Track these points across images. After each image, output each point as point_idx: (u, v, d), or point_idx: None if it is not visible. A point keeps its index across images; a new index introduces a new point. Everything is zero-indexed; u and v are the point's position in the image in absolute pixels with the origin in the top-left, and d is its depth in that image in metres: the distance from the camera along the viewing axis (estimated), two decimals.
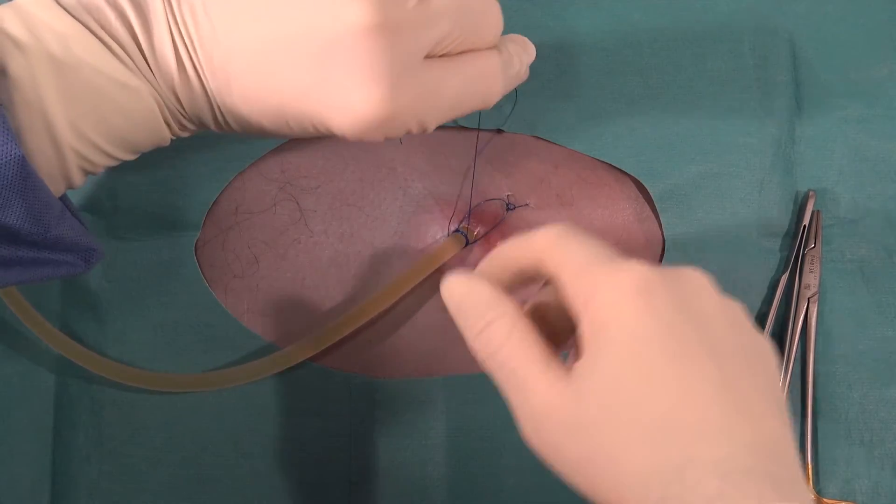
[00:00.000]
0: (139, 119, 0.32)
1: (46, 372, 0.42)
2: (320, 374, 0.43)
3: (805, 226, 0.44)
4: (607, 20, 0.47)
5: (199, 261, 0.44)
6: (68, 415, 0.42)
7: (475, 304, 0.32)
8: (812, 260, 0.44)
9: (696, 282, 0.30)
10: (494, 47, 0.35)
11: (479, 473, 0.42)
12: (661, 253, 0.45)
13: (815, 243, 0.44)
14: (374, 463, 0.42)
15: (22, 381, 0.42)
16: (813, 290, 0.44)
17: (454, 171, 0.46)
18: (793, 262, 0.44)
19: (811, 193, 0.45)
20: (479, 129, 0.45)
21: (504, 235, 0.45)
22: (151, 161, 0.43)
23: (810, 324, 0.44)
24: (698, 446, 0.27)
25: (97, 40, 0.31)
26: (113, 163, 0.33)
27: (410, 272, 0.43)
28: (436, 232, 0.45)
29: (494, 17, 0.35)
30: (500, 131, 0.45)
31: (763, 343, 0.30)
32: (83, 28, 0.31)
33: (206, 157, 0.44)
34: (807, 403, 0.43)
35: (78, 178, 0.32)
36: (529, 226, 0.45)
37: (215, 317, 0.43)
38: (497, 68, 0.35)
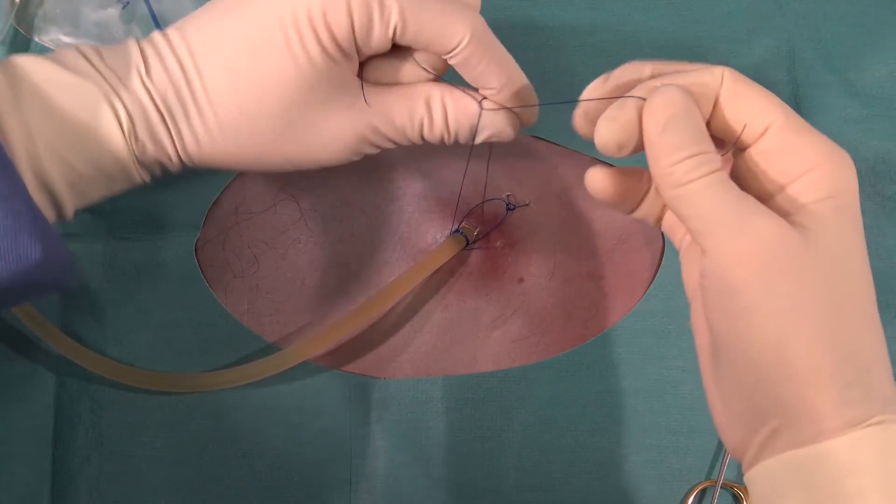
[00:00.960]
0: (86, 113, 0.33)
1: (46, 372, 0.42)
2: (320, 374, 0.43)
3: None
4: (607, 20, 0.47)
5: (199, 261, 0.44)
6: (68, 415, 0.42)
7: (688, 129, 0.30)
8: None
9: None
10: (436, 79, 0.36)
11: (479, 473, 0.42)
12: (660, 253, 0.45)
13: None
14: (374, 463, 0.42)
15: (22, 381, 0.42)
16: None
17: (454, 171, 0.46)
18: None
19: None
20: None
21: (504, 235, 0.45)
22: None
23: None
24: (880, 346, 0.30)
25: (46, 59, 0.33)
26: (77, 179, 0.34)
27: (410, 272, 0.43)
28: (436, 232, 0.45)
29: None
30: None
31: None
32: (37, 56, 0.33)
33: None
34: None
35: (34, 190, 0.33)
36: (529, 226, 0.45)
37: (215, 317, 0.43)
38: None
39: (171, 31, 0.35)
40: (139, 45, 0.34)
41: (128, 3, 0.47)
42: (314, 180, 0.45)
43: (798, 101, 0.46)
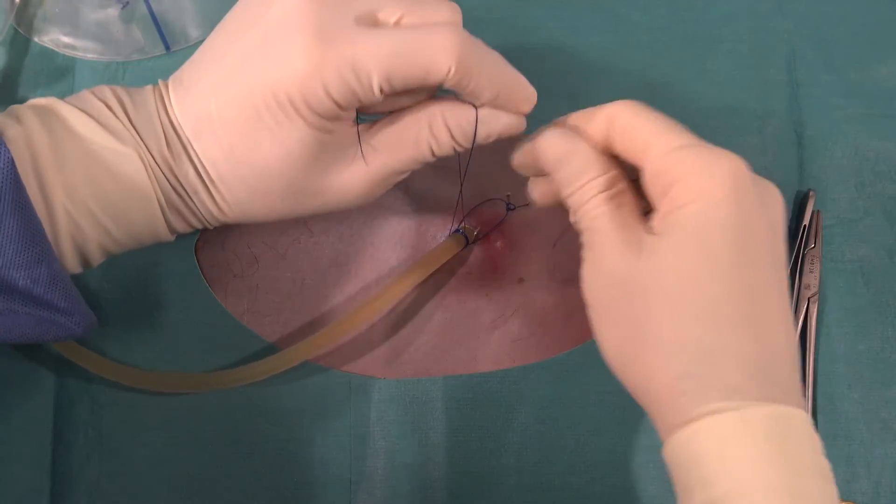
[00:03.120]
0: (127, 181, 0.34)
1: (46, 372, 0.42)
2: (320, 374, 0.43)
3: (805, 226, 0.44)
4: (607, 20, 0.47)
5: (199, 261, 0.44)
6: (68, 415, 0.42)
7: (577, 161, 0.34)
8: (812, 260, 0.44)
9: (775, 197, 0.34)
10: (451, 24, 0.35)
11: (479, 473, 0.42)
12: None
13: (815, 243, 0.44)
14: (374, 463, 0.42)
15: (22, 381, 0.42)
16: (813, 290, 0.44)
17: (454, 170, 0.45)
18: (793, 262, 0.44)
19: (811, 193, 0.45)
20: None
21: (504, 235, 0.45)
22: None
23: (810, 323, 0.44)
24: (735, 338, 0.30)
25: (89, 116, 0.34)
26: (109, 243, 0.36)
27: (410, 272, 0.43)
28: (436, 232, 0.45)
29: None
30: None
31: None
32: (75, 108, 0.34)
33: None
34: (807, 403, 0.43)
35: (67, 250, 0.34)
36: (529, 226, 0.45)
37: (215, 317, 0.43)
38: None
39: (175, 98, 0.35)
40: (157, 110, 0.35)
41: (127, 3, 0.47)
42: None
43: (798, 100, 0.46)
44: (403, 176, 0.38)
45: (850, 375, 0.44)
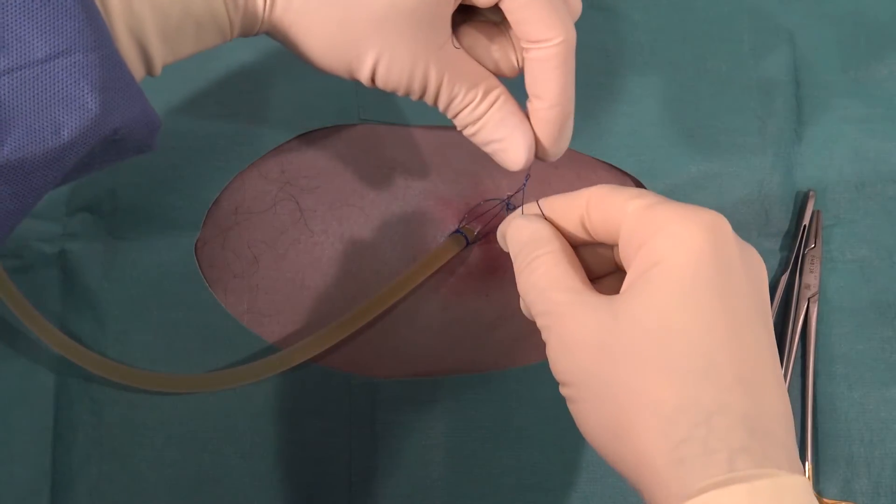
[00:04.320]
0: None
1: (46, 371, 0.42)
2: (320, 375, 0.43)
3: (805, 226, 0.45)
4: (608, 20, 0.47)
5: (198, 261, 0.44)
6: (68, 415, 0.42)
7: (532, 242, 0.33)
8: (812, 260, 0.44)
9: (757, 261, 0.31)
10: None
11: (479, 473, 0.42)
12: None
13: (815, 243, 0.44)
14: (374, 463, 0.42)
15: (22, 381, 0.42)
16: (813, 289, 0.44)
17: (454, 170, 0.46)
18: (793, 262, 0.44)
19: (811, 193, 0.45)
20: None
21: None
22: (152, 161, 0.43)
23: (810, 323, 0.44)
24: (734, 397, 0.28)
25: None
26: (167, 26, 0.31)
27: (411, 273, 0.43)
28: (436, 232, 0.45)
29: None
30: None
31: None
32: None
33: (206, 157, 0.44)
34: (807, 403, 0.43)
35: (123, 34, 0.30)
36: None
37: (215, 317, 0.43)
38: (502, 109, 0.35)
39: None
40: None
41: None
42: (314, 180, 0.45)
43: (798, 101, 0.46)
44: (427, 92, 0.36)
45: (850, 375, 0.44)
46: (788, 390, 0.43)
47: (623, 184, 0.46)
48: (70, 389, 0.42)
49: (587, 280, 0.32)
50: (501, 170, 0.45)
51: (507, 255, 0.44)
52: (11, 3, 0.27)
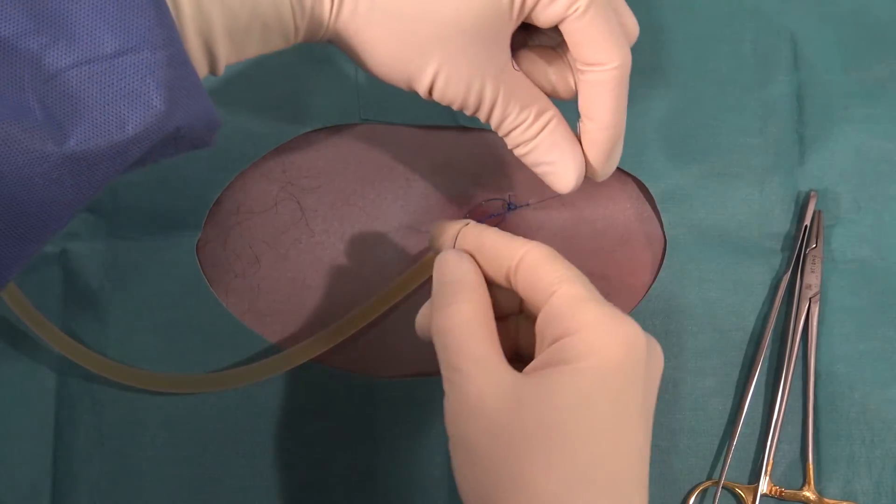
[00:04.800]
0: None
1: (48, 371, 0.42)
2: (321, 374, 0.43)
3: (806, 226, 0.44)
4: None
5: (200, 261, 0.44)
6: (69, 414, 0.42)
7: (456, 283, 0.33)
8: (813, 260, 0.44)
9: (659, 360, 0.33)
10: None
11: None
12: (662, 253, 0.45)
13: (816, 243, 0.44)
14: (374, 463, 0.42)
15: (23, 381, 0.42)
16: (814, 290, 0.44)
17: (456, 170, 0.46)
18: (794, 262, 0.44)
19: (813, 193, 0.45)
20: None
21: None
22: None
23: (812, 324, 0.44)
24: (601, 501, 0.29)
25: None
26: (235, 27, 0.32)
27: (412, 273, 0.43)
28: None
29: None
30: None
31: None
32: None
33: (207, 156, 0.44)
34: (808, 403, 0.43)
35: (192, 36, 0.31)
36: (530, 226, 0.45)
37: (216, 317, 0.43)
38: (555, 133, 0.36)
39: None
40: None
41: None
42: (315, 180, 0.45)
43: (800, 101, 0.46)
44: (482, 112, 0.37)
45: (851, 375, 0.44)
46: (790, 392, 0.43)
47: (624, 184, 0.46)
48: (71, 389, 0.42)
49: (498, 344, 0.32)
50: (503, 169, 0.46)
51: None
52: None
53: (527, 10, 0.34)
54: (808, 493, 0.42)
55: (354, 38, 0.34)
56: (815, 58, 0.47)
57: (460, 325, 0.32)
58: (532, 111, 0.36)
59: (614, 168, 0.38)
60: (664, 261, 0.45)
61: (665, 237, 0.45)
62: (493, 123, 0.36)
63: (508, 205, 0.45)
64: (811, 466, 0.42)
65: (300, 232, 0.45)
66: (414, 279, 0.43)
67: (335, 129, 0.46)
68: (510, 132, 0.37)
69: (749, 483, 0.42)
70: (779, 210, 0.45)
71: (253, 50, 0.33)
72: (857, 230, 0.45)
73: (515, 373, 0.31)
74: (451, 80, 0.34)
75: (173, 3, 0.30)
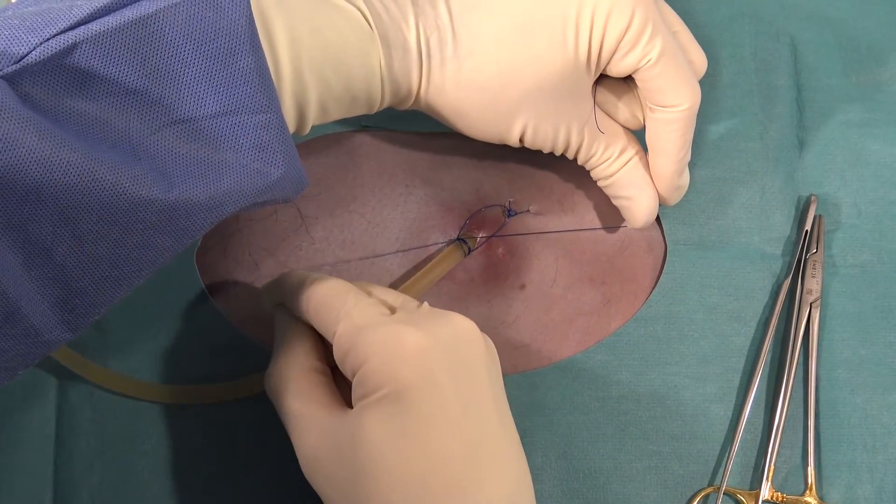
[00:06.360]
0: (350, 35, 0.34)
1: (48, 379, 0.42)
2: None
3: (807, 231, 0.44)
4: None
5: (200, 268, 0.44)
6: (70, 422, 0.42)
7: (276, 342, 0.37)
8: (814, 265, 0.44)
9: (466, 337, 0.33)
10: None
11: None
12: (662, 258, 0.45)
13: (817, 248, 0.44)
14: None
15: (23, 389, 0.42)
16: (815, 295, 0.44)
17: (455, 177, 0.45)
18: (795, 267, 0.44)
19: (813, 198, 0.45)
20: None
21: (505, 242, 0.45)
22: None
23: (812, 329, 0.44)
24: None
25: None
26: (328, 98, 0.34)
27: (412, 281, 0.42)
28: (437, 238, 0.45)
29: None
30: None
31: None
32: None
33: None
34: (809, 408, 0.43)
35: (288, 100, 0.33)
36: (531, 231, 0.45)
37: (216, 325, 0.43)
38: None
39: None
40: None
41: None
42: (315, 187, 0.45)
43: (800, 105, 0.46)
44: (570, 148, 0.40)
45: (852, 381, 0.43)
46: (791, 397, 0.43)
47: None
48: (72, 398, 0.42)
49: (319, 393, 0.34)
50: (502, 176, 0.45)
51: (509, 261, 0.45)
52: (192, 62, 0.29)
53: (602, 64, 0.36)
54: (810, 499, 0.42)
55: (444, 110, 0.37)
56: (816, 62, 0.47)
57: (276, 386, 0.35)
58: (615, 150, 0.39)
59: (682, 194, 0.41)
60: (665, 266, 0.45)
61: (665, 242, 0.45)
62: (580, 161, 0.40)
63: (508, 211, 0.45)
64: (813, 472, 0.42)
65: (300, 239, 0.45)
66: (415, 288, 0.43)
67: (335, 137, 0.46)
68: (594, 168, 0.40)
69: (750, 489, 0.42)
70: (779, 215, 0.45)
71: (338, 115, 0.36)
72: (858, 235, 0.45)
73: (338, 416, 0.32)
74: (539, 132, 0.38)
75: (275, 70, 0.32)
